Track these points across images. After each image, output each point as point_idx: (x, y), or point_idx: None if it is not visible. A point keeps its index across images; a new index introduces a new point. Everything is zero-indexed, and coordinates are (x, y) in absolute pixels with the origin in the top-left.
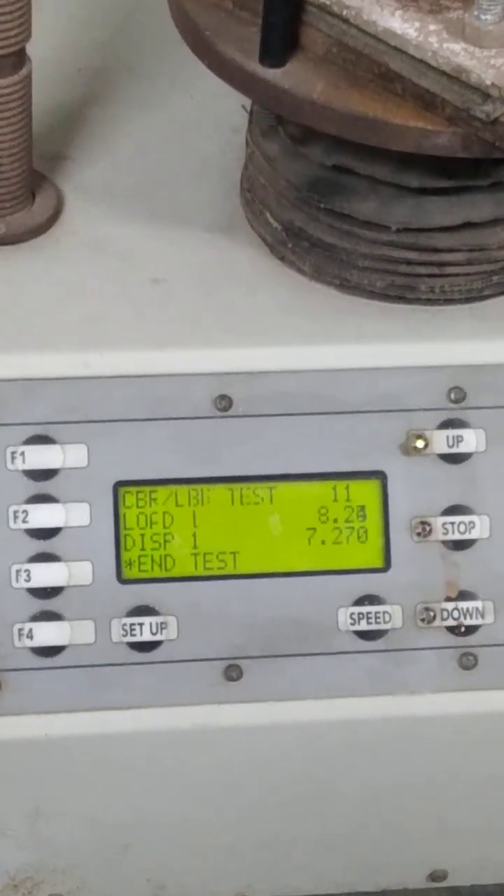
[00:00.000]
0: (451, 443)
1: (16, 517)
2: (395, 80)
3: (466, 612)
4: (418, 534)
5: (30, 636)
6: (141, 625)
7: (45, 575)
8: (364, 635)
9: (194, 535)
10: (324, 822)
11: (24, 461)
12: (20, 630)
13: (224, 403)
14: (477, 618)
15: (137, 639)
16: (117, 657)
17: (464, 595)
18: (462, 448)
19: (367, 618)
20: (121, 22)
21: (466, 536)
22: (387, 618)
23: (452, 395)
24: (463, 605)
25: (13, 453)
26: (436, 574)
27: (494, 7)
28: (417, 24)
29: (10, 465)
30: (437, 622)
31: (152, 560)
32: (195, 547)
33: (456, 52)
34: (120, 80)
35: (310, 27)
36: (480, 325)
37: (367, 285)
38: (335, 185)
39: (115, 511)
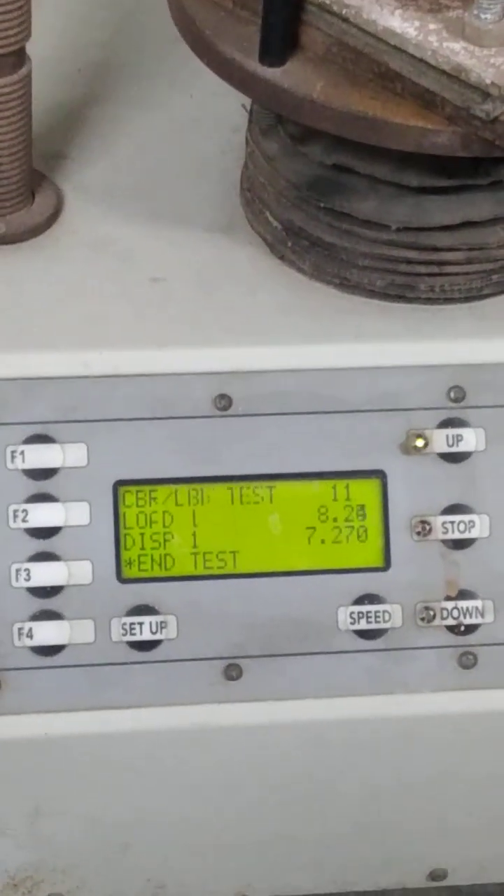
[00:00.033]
0: (450, 442)
1: (15, 516)
2: (395, 79)
3: (466, 612)
4: (418, 533)
5: (29, 635)
6: (141, 624)
7: (44, 574)
8: (364, 634)
9: (194, 534)
10: (324, 821)
11: (23, 460)
12: (20, 629)
13: (224, 403)
14: (476, 617)
15: (137, 638)
16: (117, 656)
17: (463, 594)
18: (462, 447)
19: (367, 617)
20: (120, 21)
21: (466, 535)
22: (386, 617)
23: (452, 395)
24: (463, 604)
25: (13, 452)
26: (435, 573)
27: (494, 6)
28: (417, 23)
29: (9, 465)
30: (437, 621)
31: (152, 559)
32: (195, 546)
33: (455, 51)
34: (120, 80)
35: (309, 26)
36: (480, 324)
37: (366, 284)
38: (335, 185)
39: (114, 510)
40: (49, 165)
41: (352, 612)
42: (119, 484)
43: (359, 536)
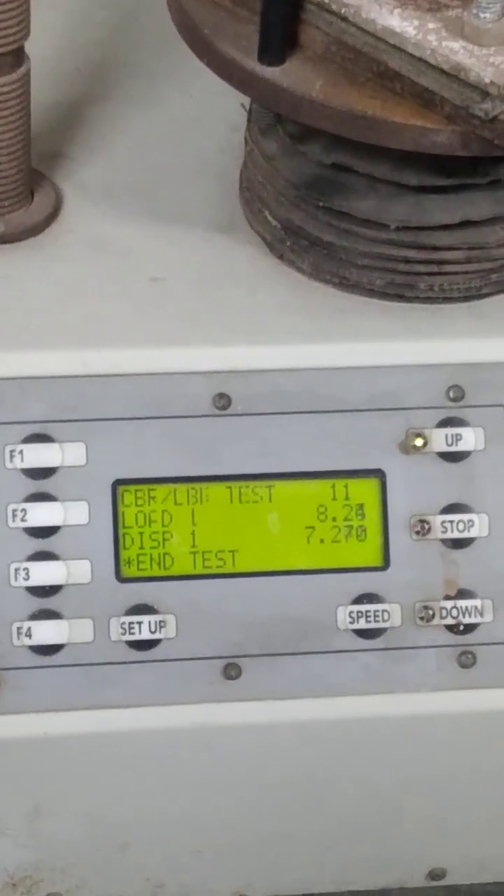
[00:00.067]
0: (450, 441)
1: (14, 516)
2: (394, 78)
3: (465, 611)
4: (417, 532)
5: (28, 634)
6: (140, 623)
7: (43, 573)
8: (363, 634)
9: (193, 533)
10: (322, 820)
11: (22, 460)
12: (19, 628)
13: (223, 402)
14: (476, 616)
15: (136, 637)
16: (116, 656)
17: (463, 593)
18: (461, 446)
19: (366, 616)
20: (119, 20)
21: (465, 535)
22: (386, 616)
23: (451, 394)
24: (462, 603)
25: (12, 452)
26: (435, 572)
27: (493, 5)
28: (416, 23)
29: (8, 464)
30: (436, 620)
31: (151, 559)
32: (194, 545)
33: (455, 51)
34: (119, 79)
35: (308, 25)
36: (479, 323)
37: (366, 284)
38: (334, 184)
39: (113, 509)
40: (48, 164)
41: (351, 612)
42: (118, 483)
43: (358, 536)
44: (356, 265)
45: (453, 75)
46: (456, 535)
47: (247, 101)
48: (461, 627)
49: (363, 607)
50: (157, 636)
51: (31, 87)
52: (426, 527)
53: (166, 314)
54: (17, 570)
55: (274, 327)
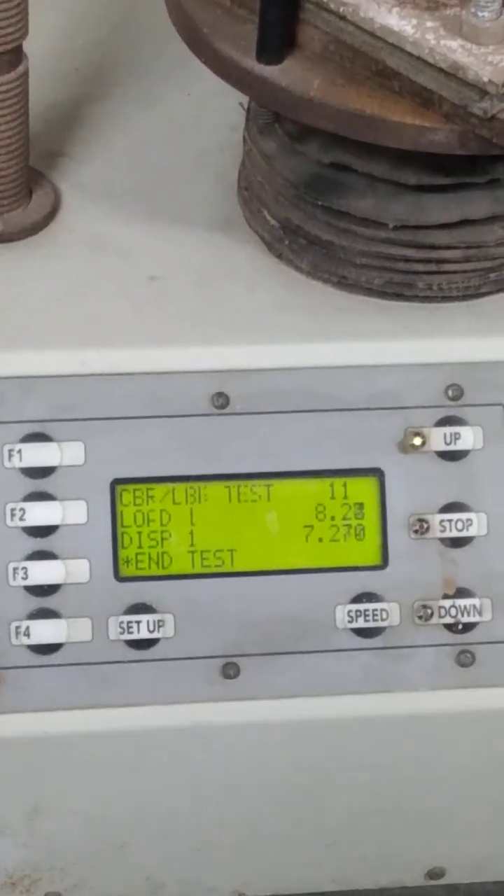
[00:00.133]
0: (448, 440)
1: (13, 515)
2: (393, 76)
3: (464, 610)
4: (416, 531)
5: (27, 634)
6: (138, 622)
7: (42, 573)
8: (362, 633)
9: (191, 532)
10: (322, 819)
11: (21, 459)
12: (17, 628)
13: (221, 401)
14: (474, 615)
15: (135, 636)
16: (114, 655)
17: (461, 592)
18: (459, 445)
19: (365, 615)
20: (118, 20)
21: (464, 534)
22: (384, 615)
23: (450, 393)
24: (460, 602)
25: (10, 451)
26: (433, 571)
27: (492, 4)
28: (414, 21)
29: (7, 463)
30: (435, 619)
31: (149, 558)
32: (192, 545)
33: (453, 49)
34: (117, 78)
35: (307, 24)
36: (478, 322)
37: (364, 283)
38: (332, 183)
39: (112, 509)
40: (46, 164)
41: (350, 611)
42: (116, 482)
43: (356, 535)
44: (355, 264)
45: (452, 74)
46: (455, 534)
47: (245, 100)
48: (460, 626)
49: (362, 606)
50: (155, 635)
51: (29, 87)
52: (425, 526)
53: (165, 313)
54: (15, 569)
55: (272, 326)
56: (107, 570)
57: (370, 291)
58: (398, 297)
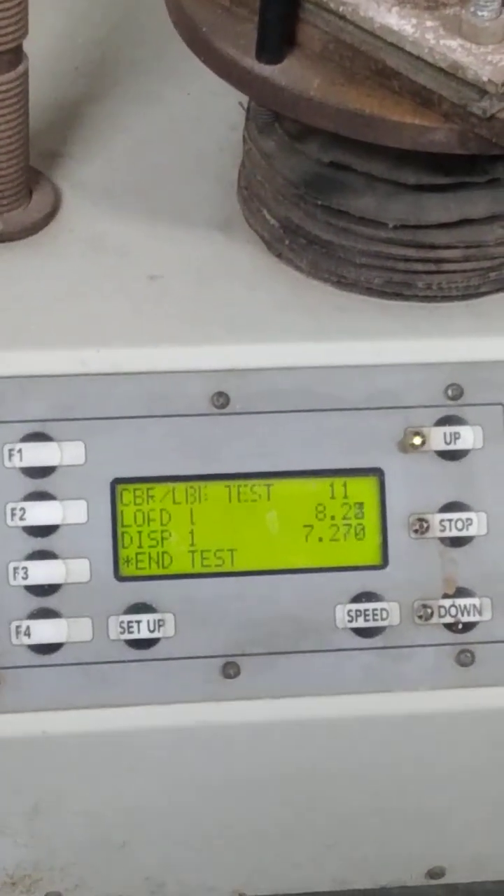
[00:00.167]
0: (448, 440)
1: (13, 514)
2: (392, 76)
3: (464, 609)
4: (416, 531)
5: (27, 633)
6: (138, 622)
7: (42, 572)
8: (362, 632)
9: (192, 532)
10: (322, 819)
11: (21, 458)
12: (18, 627)
13: (221, 400)
14: (474, 614)
15: (135, 636)
16: (115, 654)
17: (461, 592)
18: (459, 445)
19: (365, 615)
20: (118, 19)
21: (464, 533)
22: (384, 615)
23: (450, 392)
24: (460, 601)
25: (10, 451)
26: (433, 571)
27: (491, 3)
28: (414, 21)
29: (7, 463)
30: (435, 619)
31: (150, 557)
32: (193, 544)
33: (453, 49)
34: (117, 78)
35: (306, 24)
36: (478, 321)
37: (364, 282)
38: (332, 182)
39: (112, 508)
40: (46, 163)
41: (349, 610)
42: (117, 482)
43: (356, 534)
44: (354, 264)
45: (451, 73)
46: (454, 533)
47: (245, 99)
48: (460, 626)
49: (362, 606)
50: (155, 635)
51: (29, 86)
52: (425, 525)
53: (165, 313)
54: (15, 569)
55: (272, 326)
56: (107, 569)
57: (370, 291)
58: (398, 296)
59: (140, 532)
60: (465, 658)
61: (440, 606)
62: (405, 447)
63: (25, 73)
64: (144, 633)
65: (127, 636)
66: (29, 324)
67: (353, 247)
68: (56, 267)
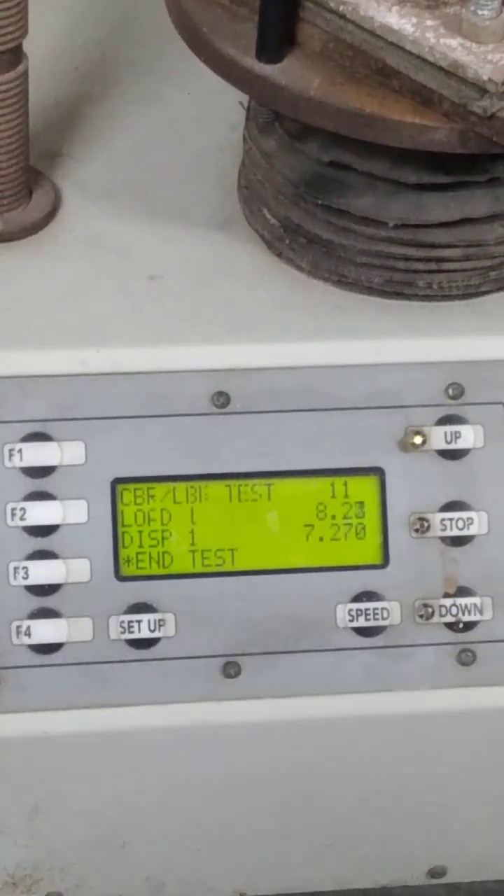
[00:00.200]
0: (449, 439)
1: (13, 514)
2: (392, 75)
3: (465, 609)
4: (416, 530)
5: (28, 633)
6: (139, 622)
7: (42, 572)
8: (362, 632)
9: (192, 532)
10: (323, 818)
11: (21, 458)
12: (18, 627)
13: (221, 400)
14: (475, 614)
15: (135, 636)
16: (115, 654)
17: (462, 591)
18: (460, 444)
19: (366, 614)
20: (118, 19)
21: (465, 532)
22: (385, 614)
23: (450, 391)
24: (461, 601)
25: (11, 451)
26: (434, 570)
27: (491, 2)
28: (414, 20)
29: (7, 463)
30: (436, 618)
31: (150, 557)
32: (193, 544)
33: (453, 48)
34: (117, 77)
35: (306, 23)
36: (478, 321)
37: (364, 281)
38: (332, 181)
39: (112, 508)
40: (46, 163)
41: (350, 610)
42: (117, 482)
43: (357, 534)
44: (355, 263)
45: (451, 72)
46: (455, 532)
47: (245, 99)
48: (461, 625)
49: (362, 605)
50: (156, 635)
51: (29, 86)
52: (425, 524)
53: (165, 312)
54: (16, 568)
55: (273, 325)
56: (107, 569)
57: (370, 290)
58: (398, 295)
59: (140, 532)
60: (465, 657)
61: (441, 606)
62: (406, 446)
63: (25, 73)
64: (145, 633)
65: (127, 636)
66: (29, 324)
67: (354, 246)
68: (56, 267)
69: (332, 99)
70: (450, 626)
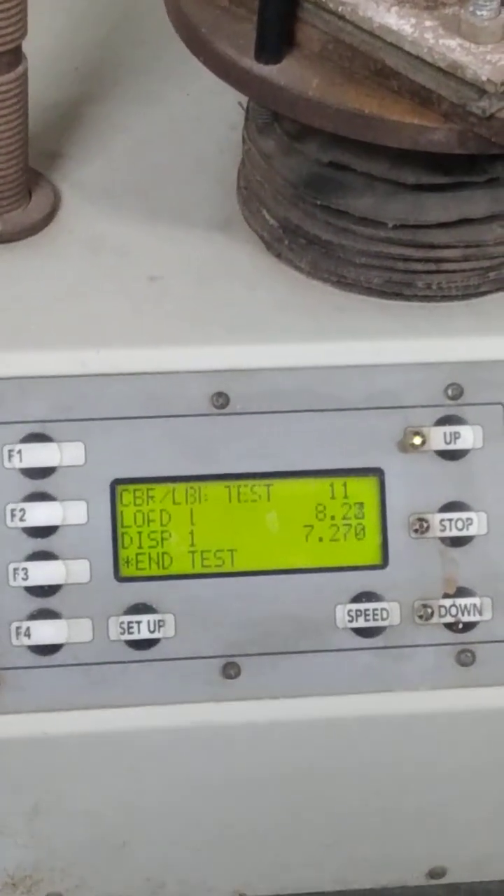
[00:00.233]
0: (448, 439)
1: (13, 515)
2: (391, 76)
3: (464, 609)
4: (416, 530)
5: (27, 634)
6: (138, 623)
7: (42, 573)
8: (362, 632)
9: (192, 532)
10: (322, 819)
11: (21, 459)
12: (18, 628)
13: (221, 401)
14: (475, 614)
15: (135, 637)
16: (115, 655)
17: (461, 592)
18: (459, 444)
19: (365, 615)
20: (117, 19)
21: (464, 533)
22: (385, 615)
23: (450, 392)
24: (461, 601)
25: (10, 451)
26: (434, 571)
27: (490, 3)
28: (413, 21)
29: (7, 464)
30: (435, 619)
31: (150, 558)
32: (193, 545)
33: (452, 48)
34: (116, 78)
35: (305, 24)
36: (477, 321)
37: (363, 282)
38: (331, 182)
39: (112, 509)
40: (46, 164)
41: (350, 610)
42: (116, 482)
43: (357, 534)
44: (354, 263)
45: (450, 73)
46: (455, 533)
47: (244, 99)
48: (460, 626)
49: (362, 606)
50: (156, 635)
51: (28, 87)
52: (425, 525)
53: (164, 313)
54: (15, 569)
55: (272, 326)
56: (107, 570)
57: (369, 291)
58: (397, 296)
59: (140, 533)
60: (465, 658)
61: (440, 606)
62: (405, 447)
63: (25, 74)
64: (145, 634)
65: (127, 637)
66: (29, 324)
67: (353, 247)
68: (56, 267)
69: (331, 99)
70: (449, 626)
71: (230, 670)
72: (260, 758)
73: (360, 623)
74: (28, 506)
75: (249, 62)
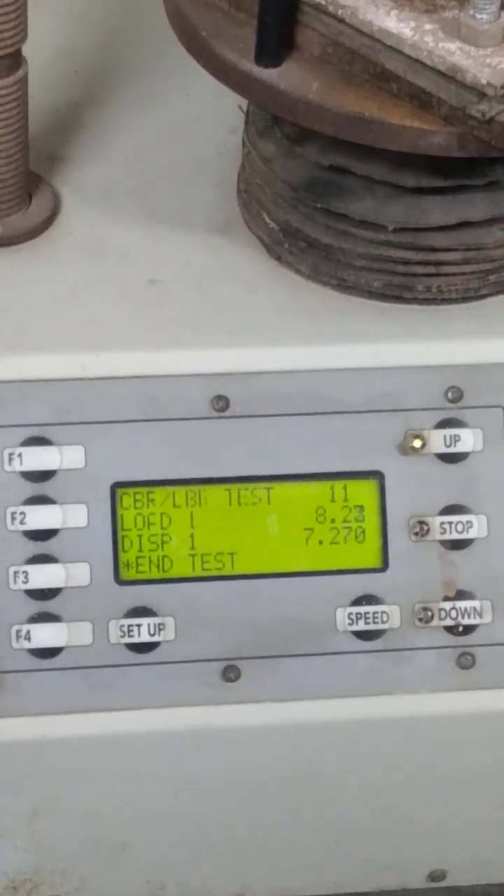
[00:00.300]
0: (448, 442)
1: (13, 519)
2: (391, 79)
3: (464, 612)
4: (416, 533)
5: (27, 638)
6: (139, 626)
7: (42, 576)
8: (362, 635)
9: (192, 535)
10: (322, 822)
11: (21, 463)
12: (18, 631)
13: (221, 404)
14: (475, 617)
15: (135, 640)
16: (115, 658)
17: (462, 595)
18: (459, 447)
19: (365, 618)
20: (117, 23)
21: (464, 536)
22: (385, 618)
23: (450, 395)
24: (461, 604)
25: (10, 455)
26: (434, 574)
27: (489, 6)
28: (413, 24)
29: (7, 467)
30: (435, 622)
31: (150, 561)
32: (193, 548)
33: (451, 52)
34: (116, 81)
35: (305, 27)
36: (477, 324)
37: (364, 285)
38: (331, 185)
39: (112, 512)
40: (46, 167)
41: (350, 613)
42: (117, 486)
43: (357, 537)
44: (354, 266)
45: (450, 76)
46: (455, 536)
47: (244, 103)
48: (460, 629)
49: (362, 609)
50: (156, 638)
51: (28, 90)
52: (425, 528)
53: (164, 316)
54: (16, 573)
55: (272, 329)
56: (107, 573)
57: (369, 294)
58: (397, 299)
59: (140, 536)
60: (465, 661)
61: (441, 609)
62: (405, 450)
63: (25, 78)
64: (145, 637)
65: (127, 640)
66: (29, 328)
67: (353, 250)
68: (56, 271)
69: (331, 103)
70: (449, 629)
71: (230, 673)
72: (260, 760)
73: (361, 626)
74: (28, 509)
75: (249, 66)
